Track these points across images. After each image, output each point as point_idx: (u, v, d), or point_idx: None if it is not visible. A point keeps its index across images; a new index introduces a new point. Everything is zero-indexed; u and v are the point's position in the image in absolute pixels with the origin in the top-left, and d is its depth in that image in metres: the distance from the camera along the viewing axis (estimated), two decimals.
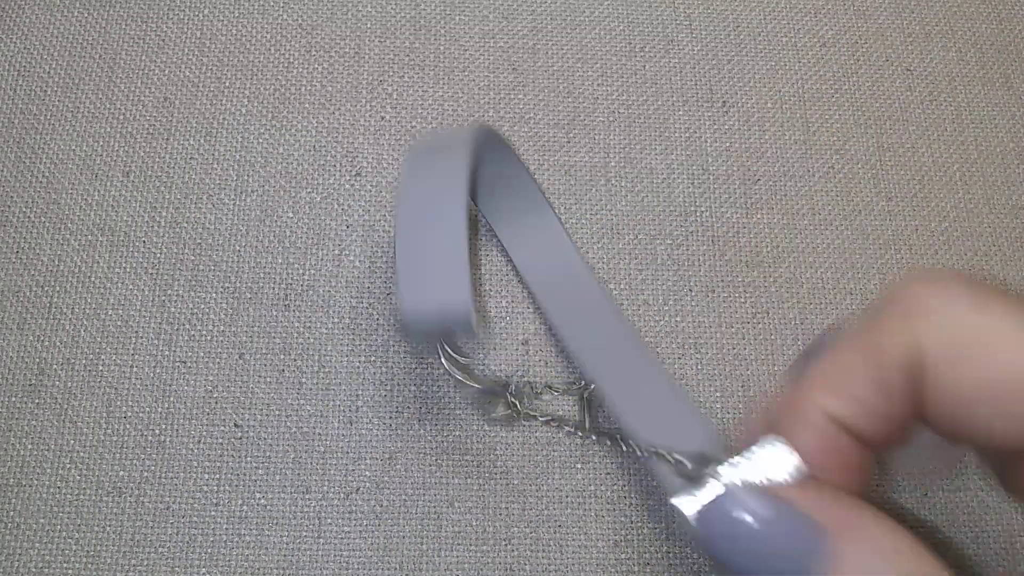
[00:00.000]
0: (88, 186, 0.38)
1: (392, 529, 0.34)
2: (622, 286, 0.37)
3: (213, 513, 0.34)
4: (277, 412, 0.35)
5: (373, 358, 0.36)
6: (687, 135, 0.40)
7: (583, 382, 0.30)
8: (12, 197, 0.38)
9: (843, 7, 0.43)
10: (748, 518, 0.20)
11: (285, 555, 0.34)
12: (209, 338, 0.36)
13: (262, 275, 0.37)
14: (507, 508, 0.34)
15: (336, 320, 0.37)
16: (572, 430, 0.25)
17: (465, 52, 0.42)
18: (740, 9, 0.43)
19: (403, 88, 0.41)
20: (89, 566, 0.33)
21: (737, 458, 0.22)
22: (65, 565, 0.33)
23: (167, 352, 0.36)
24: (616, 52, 0.42)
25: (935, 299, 0.22)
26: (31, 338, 0.36)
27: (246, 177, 0.39)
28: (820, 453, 0.22)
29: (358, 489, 0.35)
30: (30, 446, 0.35)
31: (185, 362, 0.36)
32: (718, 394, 0.36)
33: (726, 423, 0.36)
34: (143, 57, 0.41)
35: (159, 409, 0.35)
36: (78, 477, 0.35)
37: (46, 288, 0.37)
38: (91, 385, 0.36)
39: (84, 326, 0.36)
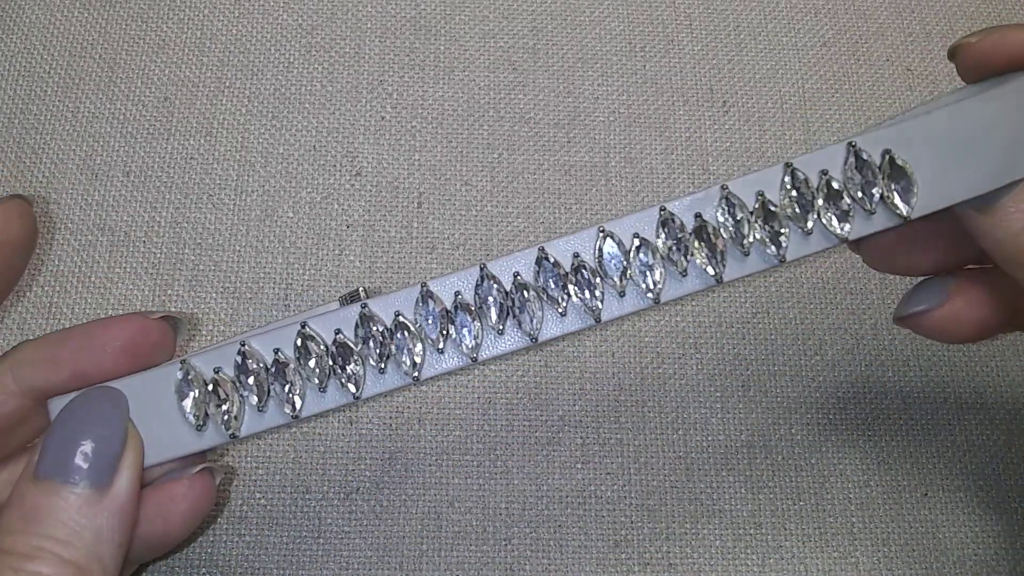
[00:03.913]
0: (88, 186, 0.38)
1: (392, 529, 0.34)
2: None
3: (213, 513, 0.34)
4: None
5: None
6: (687, 135, 0.40)
7: None
8: None
9: (843, 7, 0.43)
10: None
11: (285, 555, 0.34)
12: (209, 338, 0.36)
13: (262, 275, 0.37)
14: (507, 508, 0.34)
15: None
16: None
17: (465, 52, 0.42)
18: (740, 9, 0.43)
19: (403, 88, 0.41)
20: None
21: None
22: None
23: None
24: (616, 52, 0.42)
25: None
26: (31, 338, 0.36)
27: (246, 177, 0.39)
28: None
29: (358, 489, 0.35)
30: None
31: None
32: (718, 394, 0.36)
33: (726, 423, 0.36)
34: (143, 57, 0.41)
35: None
36: None
37: (46, 288, 0.37)
38: None
39: None
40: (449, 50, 0.42)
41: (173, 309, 0.37)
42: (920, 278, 0.29)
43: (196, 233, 0.38)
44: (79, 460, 0.22)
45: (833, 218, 0.24)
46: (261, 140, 0.40)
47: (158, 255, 0.37)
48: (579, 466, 0.35)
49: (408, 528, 0.34)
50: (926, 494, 0.35)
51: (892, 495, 0.35)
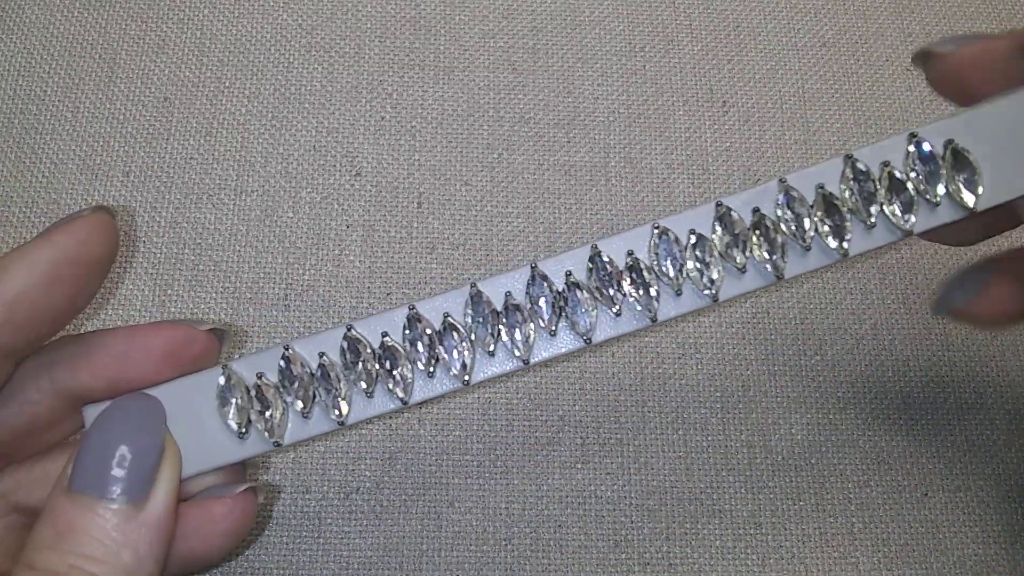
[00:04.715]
0: (88, 186, 0.38)
1: (392, 529, 0.34)
2: None
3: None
4: None
5: None
6: (687, 135, 0.40)
7: None
8: (12, 197, 0.38)
9: (843, 7, 0.43)
10: None
11: (285, 555, 0.34)
12: None
13: (262, 275, 0.37)
14: (507, 508, 0.34)
15: (336, 320, 0.37)
16: None
17: (465, 52, 0.42)
18: (740, 9, 0.43)
19: (403, 88, 0.41)
20: None
21: None
22: None
23: None
24: (616, 52, 0.42)
25: None
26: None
27: (246, 177, 0.39)
28: None
29: (358, 489, 0.35)
30: None
31: None
32: (718, 394, 0.36)
33: (726, 423, 0.36)
34: (143, 57, 0.41)
35: None
36: None
37: None
38: None
39: (84, 327, 0.36)
40: (449, 50, 0.42)
41: (173, 308, 0.37)
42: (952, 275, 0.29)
43: (196, 233, 0.38)
44: (115, 474, 0.21)
45: (896, 210, 0.24)
46: (261, 140, 0.40)
47: (158, 255, 0.37)
48: (579, 466, 0.35)
49: (408, 528, 0.34)
50: (926, 494, 0.35)
51: (892, 495, 0.35)
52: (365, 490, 0.35)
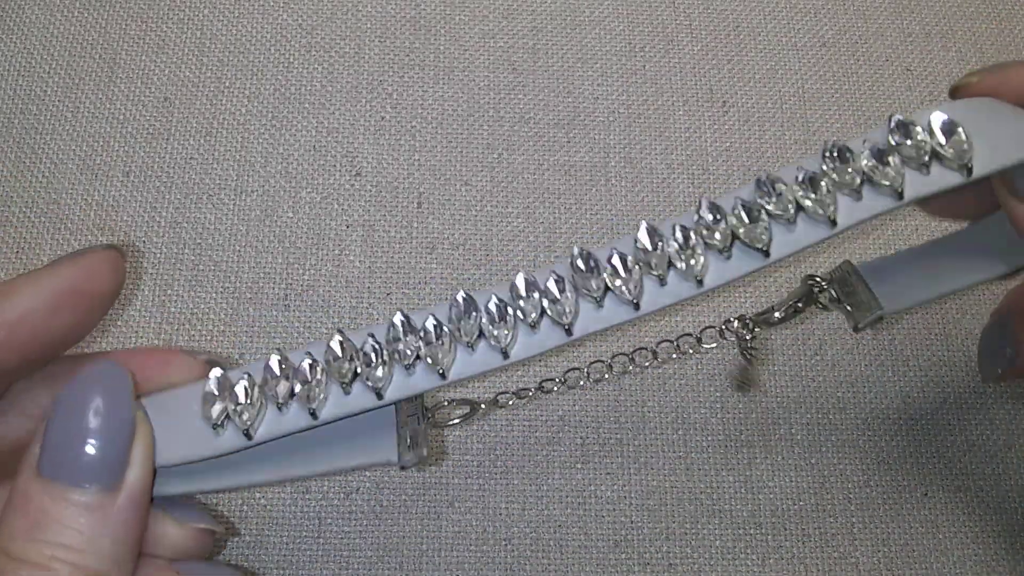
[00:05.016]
0: (88, 186, 0.38)
1: (392, 529, 0.34)
2: None
3: (213, 514, 0.34)
4: None
5: None
6: (687, 135, 0.40)
7: None
8: (12, 197, 0.38)
9: (843, 7, 0.43)
10: None
11: (285, 555, 0.34)
12: (209, 338, 0.36)
13: (262, 275, 0.37)
14: (507, 508, 0.34)
15: (336, 320, 0.37)
16: None
17: (465, 52, 0.42)
18: (740, 9, 0.43)
19: (403, 88, 0.41)
20: None
21: None
22: None
23: None
24: (616, 52, 0.42)
25: None
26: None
27: (246, 177, 0.39)
28: None
29: (358, 489, 0.35)
30: None
31: None
32: (718, 394, 0.36)
33: (726, 423, 0.36)
34: (143, 57, 0.41)
35: None
36: None
37: None
38: None
39: None
40: (449, 50, 0.42)
41: (173, 308, 0.37)
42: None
43: (196, 233, 0.38)
44: (86, 458, 0.20)
45: (885, 178, 0.23)
46: (261, 140, 0.40)
47: (158, 255, 0.37)
48: (579, 466, 0.35)
49: (408, 528, 0.34)
50: (926, 494, 0.35)
51: (892, 495, 0.35)
52: (365, 490, 0.35)
